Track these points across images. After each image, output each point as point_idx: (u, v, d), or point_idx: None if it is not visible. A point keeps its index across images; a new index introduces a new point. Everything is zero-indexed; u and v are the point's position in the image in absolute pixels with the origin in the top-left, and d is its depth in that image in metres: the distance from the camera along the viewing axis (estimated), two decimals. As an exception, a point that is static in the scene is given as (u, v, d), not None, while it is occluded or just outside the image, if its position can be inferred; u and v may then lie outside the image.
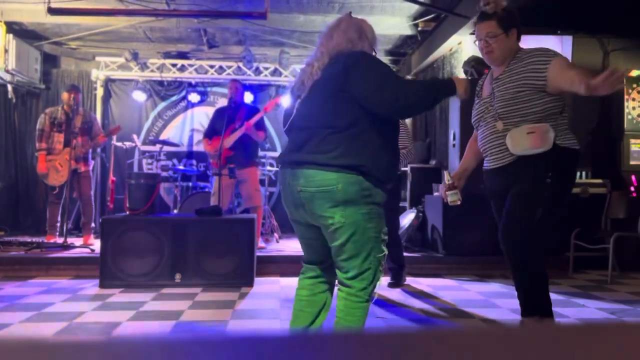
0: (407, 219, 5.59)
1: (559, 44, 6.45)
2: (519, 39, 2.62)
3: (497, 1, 2.55)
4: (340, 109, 2.02)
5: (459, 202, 2.71)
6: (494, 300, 3.86)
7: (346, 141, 1.99)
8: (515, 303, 3.72)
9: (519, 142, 2.45)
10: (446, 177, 2.76)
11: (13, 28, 6.62)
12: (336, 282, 2.24)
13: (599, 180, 5.55)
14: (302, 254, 2.35)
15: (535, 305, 2.58)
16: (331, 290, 2.32)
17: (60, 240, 5.48)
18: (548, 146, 2.42)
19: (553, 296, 4.00)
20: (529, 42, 6.33)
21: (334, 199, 1.99)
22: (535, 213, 2.45)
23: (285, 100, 7.22)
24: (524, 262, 2.52)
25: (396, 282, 4.32)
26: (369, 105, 2.00)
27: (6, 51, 6.36)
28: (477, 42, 2.63)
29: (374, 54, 2.23)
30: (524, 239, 2.47)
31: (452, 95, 2.15)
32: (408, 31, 6.71)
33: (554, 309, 3.57)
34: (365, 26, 2.27)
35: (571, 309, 3.62)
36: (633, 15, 5.87)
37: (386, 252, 2.15)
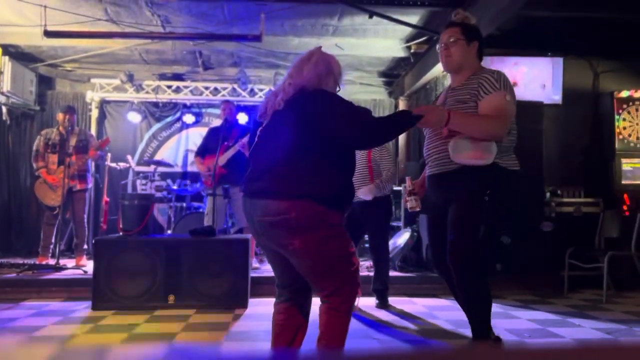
0: (401, 238, 5.59)
1: (550, 66, 6.55)
2: (480, 57, 2.67)
3: (466, 15, 2.67)
4: (297, 141, 2.10)
5: (418, 209, 2.76)
6: (489, 320, 3.84)
7: (300, 171, 2.08)
8: (511, 323, 3.72)
9: (460, 150, 2.46)
10: (408, 183, 2.81)
11: (9, 50, 6.66)
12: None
13: (592, 199, 5.59)
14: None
15: (481, 321, 2.57)
16: (305, 312, 2.33)
17: (52, 261, 5.44)
18: (487, 161, 2.44)
19: (548, 316, 4.01)
20: (521, 64, 6.45)
21: (290, 227, 2.04)
22: (478, 231, 2.47)
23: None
24: (472, 281, 2.52)
25: (383, 303, 4.33)
26: (340, 140, 2.13)
27: (1, 73, 6.39)
28: (438, 50, 2.68)
29: (338, 89, 2.34)
30: (473, 257, 2.48)
31: (414, 125, 2.35)
32: (401, 53, 6.79)
33: (550, 328, 3.58)
34: (334, 63, 2.35)
35: (567, 329, 3.61)
36: (621, 38, 5.99)
37: (358, 264, 2.20)
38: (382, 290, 4.38)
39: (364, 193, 4.22)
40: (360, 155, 4.31)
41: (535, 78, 6.38)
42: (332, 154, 2.14)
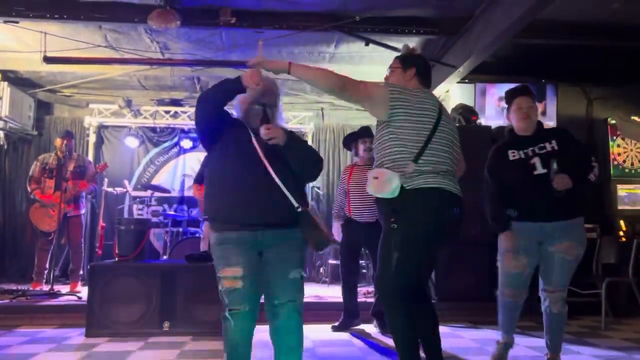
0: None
1: (544, 92, 6.63)
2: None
3: (409, 47, 2.92)
4: None
5: None
6: (488, 347, 3.80)
7: None
8: (511, 351, 3.67)
9: (368, 183, 2.59)
10: None
11: (8, 76, 6.71)
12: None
13: (589, 225, 5.57)
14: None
15: (398, 349, 2.57)
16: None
17: (46, 287, 5.38)
18: (388, 192, 2.49)
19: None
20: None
21: None
22: (389, 260, 2.50)
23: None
24: (389, 304, 2.56)
25: (384, 327, 4.29)
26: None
27: (0, 98, 6.42)
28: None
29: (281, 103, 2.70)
30: (386, 281, 2.54)
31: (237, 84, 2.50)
32: (397, 79, 6.87)
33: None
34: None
35: (566, 356, 3.57)
36: (614, 65, 6.08)
37: (226, 288, 2.41)
38: (383, 313, 4.36)
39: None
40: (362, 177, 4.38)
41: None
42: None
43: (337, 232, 4.57)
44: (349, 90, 2.65)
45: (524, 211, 3.12)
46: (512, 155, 3.18)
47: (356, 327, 4.51)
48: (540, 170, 3.06)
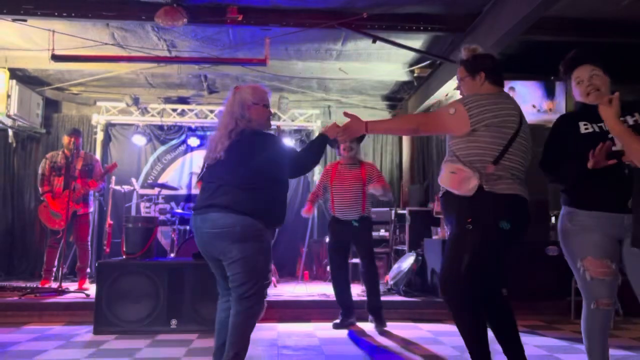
0: (406, 262, 5.55)
1: (553, 90, 6.59)
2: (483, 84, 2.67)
3: (469, 48, 2.76)
4: (244, 173, 2.63)
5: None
6: (496, 346, 3.78)
7: (244, 194, 2.59)
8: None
9: (443, 176, 2.55)
10: (436, 203, 2.90)
11: (16, 74, 6.74)
12: None
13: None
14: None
15: (469, 351, 2.55)
16: None
17: (55, 285, 5.41)
18: (463, 192, 2.46)
19: (556, 342, 3.95)
20: (522, 87, 6.49)
21: (232, 238, 2.55)
22: (460, 261, 2.46)
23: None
24: (455, 306, 2.53)
25: (381, 323, 4.38)
26: (279, 173, 2.71)
27: (9, 96, 6.45)
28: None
29: (262, 106, 2.83)
30: (453, 283, 2.49)
31: (327, 143, 2.76)
32: (404, 77, 6.85)
33: (557, 355, 3.52)
34: (245, 94, 2.81)
35: (574, 355, 3.55)
36: (624, 62, 6.02)
37: (270, 280, 2.71)
38: (378, 308, 4.39)
39: (374, 188, 4.39)
40: (353, 178, 4.48)
41: (533, 100, 6.42)
42: (270, 182, 2.71)
43: (306, 211, 4.70)
44: (425, 129, 2.73)
45: (598, 198, 2.47)
46: (585, 127, 2.57)
47: (354, 324, 4.53)
48: (620, 146, 2.40)
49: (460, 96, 2.73)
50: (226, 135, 2.71)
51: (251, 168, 2.63)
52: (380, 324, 4.38)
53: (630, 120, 2.51)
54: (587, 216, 2.46)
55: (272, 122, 7.63)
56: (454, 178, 2.48)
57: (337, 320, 4.49)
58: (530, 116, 6.34)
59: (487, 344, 2.53)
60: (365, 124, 2.64)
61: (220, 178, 2.66)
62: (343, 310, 4.51)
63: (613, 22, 5.24)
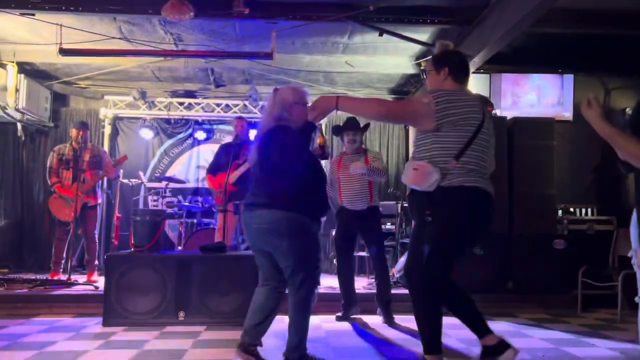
0: (412, 256, 5.55)
1: (560, 83, 6.55)
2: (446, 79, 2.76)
3: (442, 44, 2.88)
4: (281, 171, 2.78)
5: None
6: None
7: (285, 190, 2.75)
8: (524, 342, 3.67)
9: (406, 174, 2.66)
10: None
11: (24, 68, 6.78)
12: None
13: (605, 217, 5.52)
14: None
15: (421, 336, 2.69)
16: (279, 300, 2.96)
17: (64, 277, 5.46)
18: (428, 186, 2.55)
19: (562, 335, 3.95)
20: (530, 80, 6.45)
21: (280, 232, 2.74)
22: (421, 251, 2.61)
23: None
24: (416, 294, 2.69)
25: (389, 317, 4.39)
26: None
27: (17, 90, 6.49)
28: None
29: (302, 104, 2.92)
30: (416, 273, 2.66)
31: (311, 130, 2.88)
32: (411, 70, 6.82)
33: (564, 348, 3.53)
34: (285, 94, 2.94)
35: (581, 348, 3.55)
36: (632, 55, 5.97)
37: (320, 269, 2.88)
38: (387, 301, 4.41)
39: (354, 167, 4.40)
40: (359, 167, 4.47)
41: (546, 94, 6.39)
42: (308, 176, 2.86)
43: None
44: (394, 113, 2.78)
45: None
46: None
47: (356, 316, 4.54)
48: None
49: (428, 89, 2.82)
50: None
51: (285, 165, 2.79)
52: (388, 317, 4.39)
53: None
54: None
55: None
56: (416, 174, 2.58)
57: (340, 313, 4.51)
58: (546, 109, 6.32)
59: (440, 331, 2.64)
60: (337, 98, 2.71)
61: (264, 176, 2.86)
62: (345, 302, 4.52)
63: (621, 13, 5.19)
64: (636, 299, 2.45)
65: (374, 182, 4.48)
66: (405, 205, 6.50)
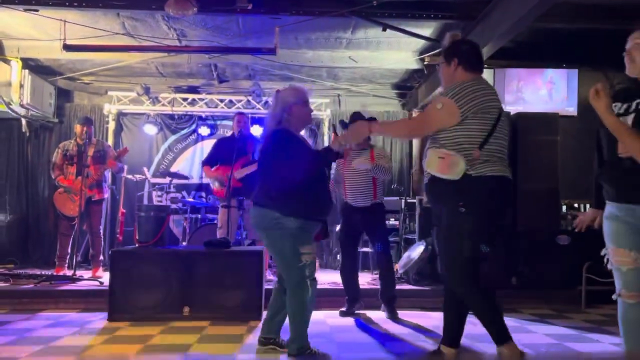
0: (416, 251, 5.56)
1: (565, 77, 6.52)
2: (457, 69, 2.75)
3: (451, 35, 2.86)
4: (270, 170, 3.00)
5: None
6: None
7: (270, 187, 2.97)
8: (528, 338, 3.68)
9: (430, 161, 2.65)
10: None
11: (29, 64, 6.79)
12: None
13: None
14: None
15: (488, 331, 2.67)
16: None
17: (69, 272, 5.49)
18: (454, 175, 2.55)
19: (566, 331, 3.95)
20: (534, 74, 6.43)
21: (259, 227, 3.02)
22: (462, 245, 2.60)
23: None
24: (466, 292, 2.67)
25: (393, 313, 4.41)
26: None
27: (21, 86, 6.50)
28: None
29: (308, 105, 3.15)
30: (460, 270, 2.63)
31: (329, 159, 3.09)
32: (414, 65, 6.80)
33: (567, 343, 3.53)
34: (286, 95, 3.09)
35: (584, 344, 3.56)
36: None
37: (305, 262, 2.94)
38: (392, 298, 4.41)
39: (358, 162, 4.43)
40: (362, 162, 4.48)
41: (558, 89, 6.37)
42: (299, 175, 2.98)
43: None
44: (418, 131, 2.91)
45: (613, 188, 2.35)
46: (615, 109, 2.33)
47: (360, 312, 4.56)
48: None
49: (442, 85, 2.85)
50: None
51: (274, 168, 2.98)
52: (392, 313, 4.40)
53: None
54: (611, 206, 2.39)
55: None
56: (442, 163, 2.57)
57: (344, 308, 4.52)
58: (555, 105, 6.29)
59: (502, 319, 2.64)
60: (369, 125, 2.83)
61: (259, 177, 3.12)
62: (349, 298, 4.54)
63: (625, 7, 5.15)
64: (613, 296, 2.40)
65: (378, 179, 4.48)
66: (410, 200, 6.52)
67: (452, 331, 2.86)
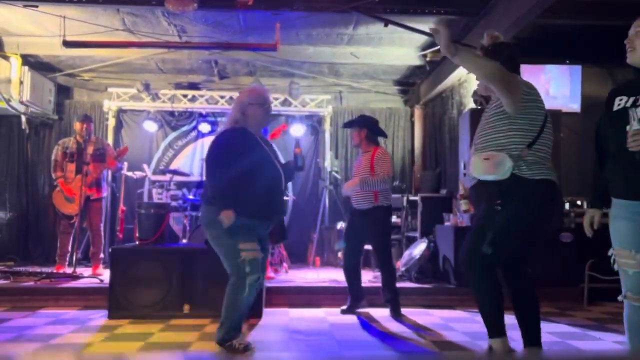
0: (417, 249, 5.53)
1: (568, 74, 6.48)
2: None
3: (491, 35, 2.85)
4: (210, 169, 3.16)
5: (471, 211, 2.95)
6: (508, 332, 3.77)
7: (210, 185, 3.13)
8: (530, 336, 3.63)
9: (476, 165, 2.63)
10: (461, 188, 2.96)
11: (28, 60, 6.76)
12: None
13: (608, 210, 5.46)
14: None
15: (485, 324, 2.71)
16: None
17: (69, 270, 5.47)
18: (499, 176, 2.53)
19: (568, 329, 3.93)
20: (537, 71, 6.39)
21: (203, 223, 3.22)
22: (484, 236, 2.58)
23: (292, 129, 7.27)
24: (474, 278, 2.68)
25: (396, 312, 4.37)
26: None
27: (21, 83, 6.48)
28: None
29: (264, 106, 3.20)
30: (474, 256, 2.62)
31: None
32: (417, 62, 6.77)
33: (570, 342, 3.51)
34: (242, 96, 3.22)
35: (587, 342, 3.54)
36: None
37: (245, 258, 3.03)
38: (393, 299, 4.39)
39: (345, 190, 4.62)
40: (363, 165, 4.50)
41: (553, 86, 6.33)
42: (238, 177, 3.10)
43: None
44: (505, 81, 2.59)
45: (622, 183, 2.27)
46: (618, 103, 2.27)
47: (362, 310, 4.53)
48: (636, 125, 2.15)
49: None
50: None
51: (213, 166, 3.12)
52: (394, 310, 4.38)
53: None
54: (616, 204, 2.32)
55: (282, 108, 7.65)
56: (489, 164, 2.55)
57: (345, 306, 4.50)
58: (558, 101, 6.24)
59: (502, 317, 2.66)
60: (455, 49, 2.56)
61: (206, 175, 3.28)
62: (351, 296, 4.52)
63: (629, 3, 5.12)
64: (619, 297, 2.33)
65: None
66: (412, 198, 6.50)
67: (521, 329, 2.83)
